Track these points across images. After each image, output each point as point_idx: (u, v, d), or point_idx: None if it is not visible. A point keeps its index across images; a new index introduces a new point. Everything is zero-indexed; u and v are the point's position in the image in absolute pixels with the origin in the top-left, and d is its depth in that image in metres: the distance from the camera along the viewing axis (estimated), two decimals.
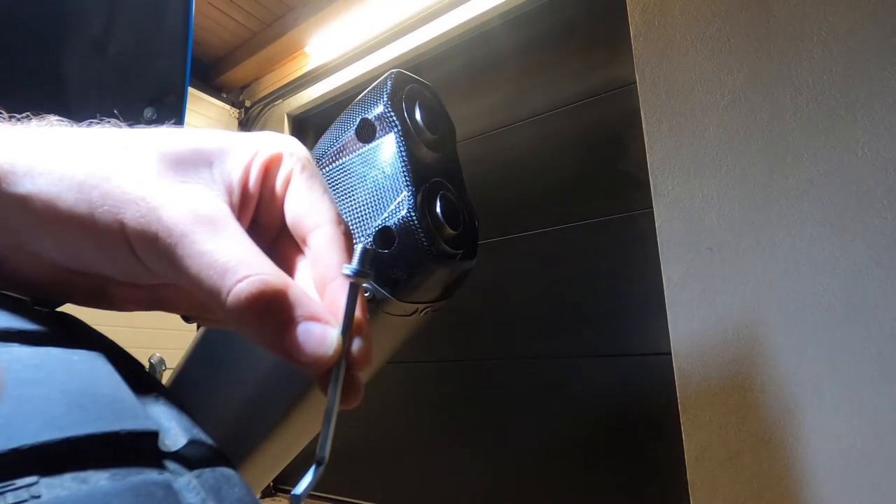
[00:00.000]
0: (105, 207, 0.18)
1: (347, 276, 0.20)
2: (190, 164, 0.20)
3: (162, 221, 0.18)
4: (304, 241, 0.22)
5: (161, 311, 0.25)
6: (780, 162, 1.18)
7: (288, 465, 0.62)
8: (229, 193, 0.21)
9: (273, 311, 0.18)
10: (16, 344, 0.17)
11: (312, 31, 2.25)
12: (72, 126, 0.21)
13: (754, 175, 1.20)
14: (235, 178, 0.21)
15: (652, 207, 1.34)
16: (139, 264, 0.19)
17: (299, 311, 0.19)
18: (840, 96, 1.13)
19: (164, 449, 0.16)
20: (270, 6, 2.21)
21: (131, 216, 0.18)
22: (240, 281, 0.18)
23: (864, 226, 1.07)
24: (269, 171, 0.22)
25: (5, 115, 0.21)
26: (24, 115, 0.22)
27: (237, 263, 0.18)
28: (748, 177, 1.21)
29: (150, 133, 0.21)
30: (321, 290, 0.21)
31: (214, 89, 2.59)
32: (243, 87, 2.65)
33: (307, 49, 2.36)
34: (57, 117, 0.22)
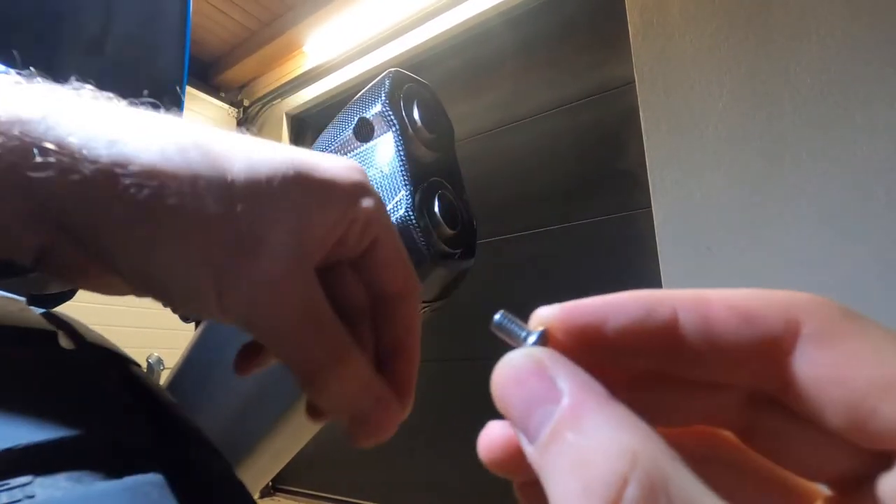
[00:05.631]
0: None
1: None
2: None
3: None
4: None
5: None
6: (778, 161, 1.18)
7: (287, 465, 0.62)
8: None
9: None
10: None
11: (311, 31, 2.25)
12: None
13: (753, 174, 1.20)
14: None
15: (651, 207, 1.34)
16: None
17: None
18: (839, 96, 1.13)
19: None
20: (269, 5, 2.20)
21: None
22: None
23: (864, 225, 1.07)
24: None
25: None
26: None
27: None
28: (747, 176, 1.21)
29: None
30: None
31: (213, 89, 2.59)
32: (242, 87, 2.65)
33: (305, 48, 2.35)
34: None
